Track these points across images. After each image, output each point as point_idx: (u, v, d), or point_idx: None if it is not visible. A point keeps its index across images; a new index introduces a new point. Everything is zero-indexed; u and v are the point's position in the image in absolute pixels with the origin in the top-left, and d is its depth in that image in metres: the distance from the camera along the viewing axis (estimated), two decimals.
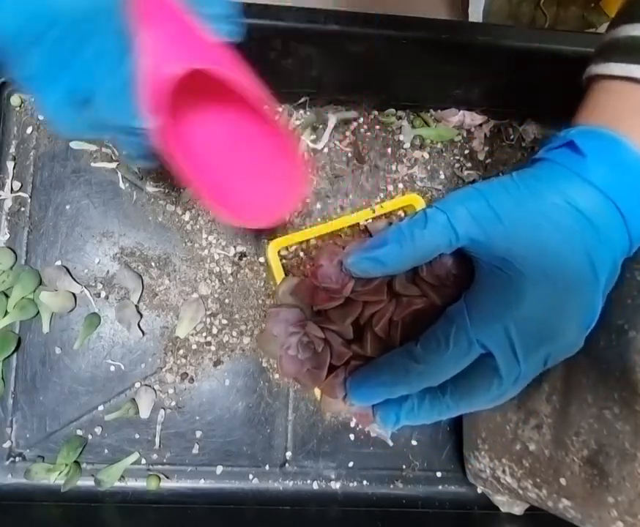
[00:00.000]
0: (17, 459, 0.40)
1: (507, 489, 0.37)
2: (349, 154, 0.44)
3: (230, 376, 0.42)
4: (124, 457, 0.40)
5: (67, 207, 0.42)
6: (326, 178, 0.44)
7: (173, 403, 0.42)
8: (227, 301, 0.42)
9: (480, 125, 0.45)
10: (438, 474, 0.43)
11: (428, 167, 0.45)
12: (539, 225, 0.23)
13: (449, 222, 0.25)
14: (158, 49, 0.21)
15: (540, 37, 0.37)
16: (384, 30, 0.36)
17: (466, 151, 0.45)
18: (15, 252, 0.41)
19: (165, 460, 0.41)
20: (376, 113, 0.45)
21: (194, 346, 0.42)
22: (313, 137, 0.44)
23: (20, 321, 0.41)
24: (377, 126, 0.45)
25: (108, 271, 0.42)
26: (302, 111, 0.44)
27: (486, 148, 0.45)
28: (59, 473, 0.39)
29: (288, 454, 0.42)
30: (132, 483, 0.41)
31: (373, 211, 0.39)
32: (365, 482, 0.42)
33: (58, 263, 0.42)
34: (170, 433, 0.41)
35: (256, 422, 0.42)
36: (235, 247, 0.43)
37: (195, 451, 0.41)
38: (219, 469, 0.41)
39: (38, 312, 0.41)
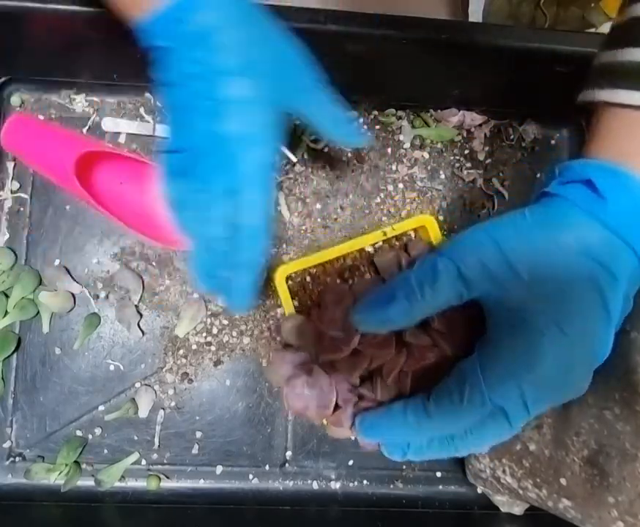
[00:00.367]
0: (17, 459, 0.40)
1: (507, 489, 0.37)
2: (349, 154, 0.44)
3: (230, 376, 0.42)
4: (124, 457, 0.40)
5: (67, 207, 0.42)
6: (326, 178, 0.44)
7: (173, 403, 0.42)
8: None
9: (480, 125, 0.45)
10: (438, 474, 0.43)
11: (428, 168, 0.45)
12: (556, 276, 0.22)
13: (460, 275, 0.23)
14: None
15: (540, 37, 0.37)
16: (384, 30, 0.36)
17: (466, 151, 0.45)
18: (15, 252, 0.41)
19: (165, 460, 0.41)
20: (376, 113, 0.45)
21: (194, 346, 0.42)
22: (313, 137, 0.44)
23: (20, 321, 0.41)
24: (377, 126, 0.45)
25: (108, 271, 0.42)
26: None
27: (486, 148, 0.45)
28: (59, 473, 0.39)
29: (288, 454, 0.42)
30: (132, 483, 0.41)
31: (384, 234, 0.34)
32: (365, 482, 0.42)
33: (58, 263, 0.42)
34: (170, 433, 0.41)
35: (256, 422, 0.42)
36: None
37: (195, 451, 0.41)
38: (219, 469, 0.41)
39: (38, 312, 0.41)
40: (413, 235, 0.37)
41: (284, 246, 0.43)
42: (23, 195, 0.42)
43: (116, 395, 0.41)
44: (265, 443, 0.42)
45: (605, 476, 0.29)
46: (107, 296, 0.42)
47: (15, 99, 0.43)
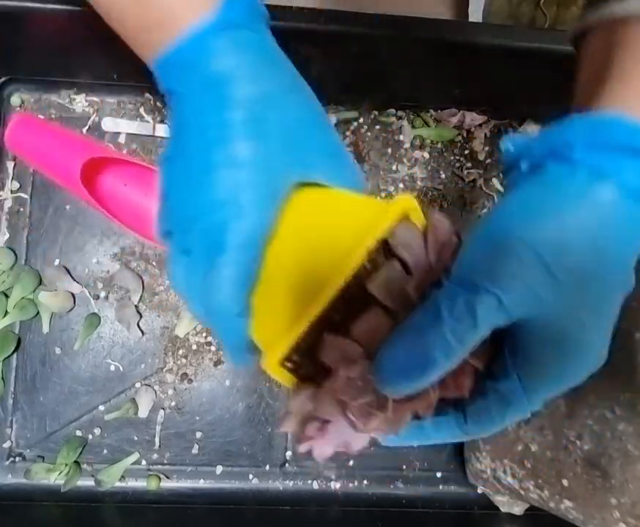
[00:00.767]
0: (17, 459, 0.40)
1: (508, 489, 0.37)
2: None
3: (230, 376, 0.42)
4: (124, 457, 0.40)
5: (67, 207, 0.42)
6: None
7: (173, 403, 0.42)
8: None
9: (480, 125, 0.45)
10: (439, 474, 0.43)
11: (428, 168, 0.45)
12: (594, 273, 0.19)
13: (502, 306, 0.19)
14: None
15: (540, 37, 0.37)
16: (384, 30, 0.36)
17: (466, 151, 0.45)
18: (15, 252, 0.41)
19: (165, 460, 0.41)
20: (376, 113, 0.45)
21: (194, 346, 0.42)
22: None
23: (20, 321, 0.41)
24: (377, 127, 0.45)
25: (108, 271, 0.42)
26: None
27: (486, 148, 0.45)
28: (59, 473, 0.39)
29: (288, 454, 0.42)
30: (132, 483, 0.41)
31: (367, 250, 0.21)
32: (365, 482, 0.42)
33: (58, 263, 0.42)
34: (170, 433, 0.41)
35: (256, 422, 0.42)
36: None
37: (195, 451, 0.41)
38: (219, 469, 0.41)
39: (38, 312, 0.41)
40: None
41: None
42: (23, 195, 0.42)
43: (116, 395, 0.41)
44: (265, 443, 0.42)
45: (607, 477, 0.29)
46: (107, 296, 0.42)
47: (15, 99, 0.43)
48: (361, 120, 0.45)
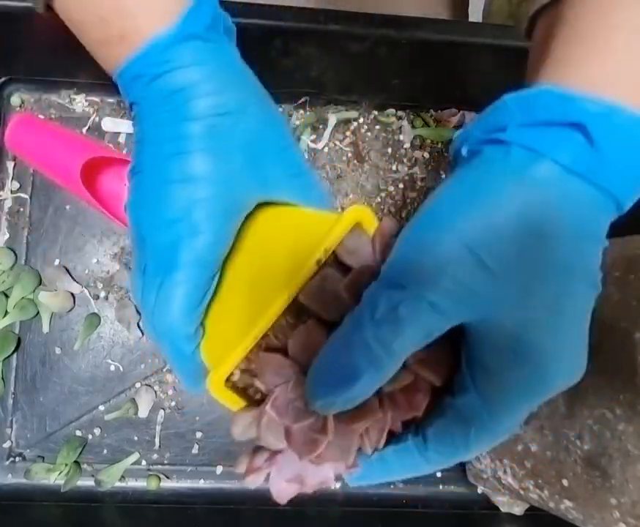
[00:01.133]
0: (17, 459, 0.40)
1: (508, 489, 0.37)
2: (349, 154, 0.44)
3: None
4: (124, 457, 0.40)
5: (67, 207, 0.42)
6: (327, 178, 0.44)
7: (173, 403, 0.42)
8: None
9: None
10: (438, 474, 0.43)
11: (428, 168, 0.45)
12: (541, 268, 0.17)
13: (433, 307, 0.17)
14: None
15: None
16: (384, 30, 0.36)
17: None
18: (15, 252, 0.41)
19: (165, 460, 0.41)
20: (376, 113, 0.45)
21: None
22: (313, 137, 0.44)
23: (20, 321, 0.41)
24: (377, 127, 0.45)
25: (107, 271, 0.42)
26: (302, 111, 0.44)
27: None
28: (59, 473, 0.39)
29: None
30: (132, 483, 0.41)
31: (319, 263, 0.20)
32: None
33: (58, 263, 0.42)
34: (170, 433, 0.41)
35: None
36: None
37: (195, 451, 0.41)
38: (219, 469, 0.41)
39: (38, 312, 0.41)
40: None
41: None
42: (23, 195, 0.42)
43: (116, 395, 0.41)
44: None
45: (607, 477, 0.29)
46: (107, 296, 0.42)
47: (14, 99, 0.43)
48: (361, 120, 0.45)
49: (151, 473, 0.41)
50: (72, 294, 0.41)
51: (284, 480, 0.22)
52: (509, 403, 0.18)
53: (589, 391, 0.30)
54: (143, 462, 0.41)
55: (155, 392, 0.41)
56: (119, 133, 0.43)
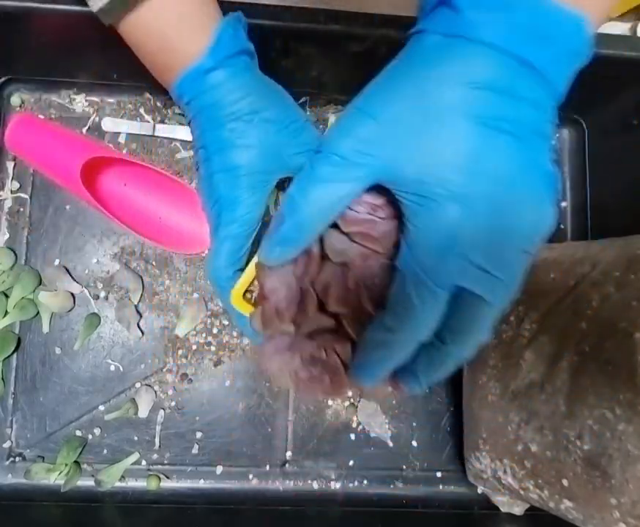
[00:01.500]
0: (17, 459, 0.40)
1: (508, 489, 0.37)
2: None
3: (230, 376, 0.42)
4: (124, 457, 0.40)
5: (67, 207, 0.42)
6: None
7: (173, 403, 0.42)
8: None
9: None
10: (439, 474, 0.43)
11: None
12: (445, 128, 0.19)
13: (344, 162, 0.21)
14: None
15: None
16: (384, 30, 0.36)
17: None
18: (15, 252, 0.41)
19: (165, 460, 0.41)
20: None
21: (194, 346, 0.42)
22: None
23: (20, 321, 0.41)
24: None
25: (108, 271, 0.42)
26: None
27: None
28: (59, 473, 0.39)
29: (288, 454, 0.42)
30: (132, 483, 0.41)
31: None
32: (365, 482, 0.42)
33: (58, 263, 0.42)
34: (170, 433, 0.41)
35: (256, 422, 0.42)
36: None
37: (195, 451, 0.41)
38: (219, 469, 0.41)
39: (38, 312, 0.41)
40: None
41: None
42: (23, 195, 0.42)
43: (116, 395, 0.41)
44: (265, 443, 0.42)
45: (607, 477, 0.29)
46: (107, 296, 0.42)
47: (14, 99, 0.43)
48: None
49: (151, 473, 0.41)
50: (72, 294, 0.41)
51: (327, 378, 0.26)
52: (429, 253, 0.21)
53: (589, 391, 0.30)
54: (143, 462, 0.41)
55: (155, 392, 0.41)
56: (119, 133, 0.43)
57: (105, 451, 0.41)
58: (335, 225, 0.25)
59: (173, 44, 0.26)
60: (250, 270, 0.28)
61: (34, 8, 0.33)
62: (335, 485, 0.42)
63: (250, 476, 0.42)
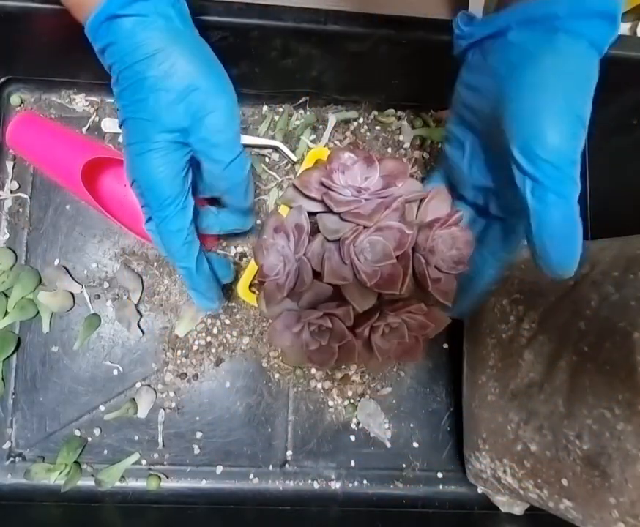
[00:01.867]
0: (17, 459, 0.40)
1: (507, 489, 0.37)
2: None
3: (230, 376, 0.42)
4: (124, 457, 0.40)
5: (67, 207, 0.42)
6: None
7: (174, 404, 0.42)
8: (228, 301, 0.42)
9: None
10: (439, 474, 0.43)
11: (428, 168, 0.45)
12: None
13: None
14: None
15: None
16: (384, 30, 0.36)
17: None
18: (15, 252, 0.41)
19: (165, 460, 0.41)
20: (375, 113, 0.45)
21: (194, 346, 0.42)
22: (313, 137, 0.44)
23: (20, 321, 0.41)
24: (377, 127, 0.45)
25: (107, 271, 0.42)
26: (302, 111, 0.44)
27: None
28: (59, 473, 0.39)
29: (289, 453, 0.42)
30: (132, 483, 0.41)
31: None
32: (365, 482, 0.42)
33: (58, 263, 0.42)
34: (171, 433, 0.41)
35: (256, 422, 0.42)
36: (235, 247, 0.43)
37: (195, 451, 0.41)
38: (219, 469, 0.41)
39: (38, 312, 0.41)
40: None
41: None
42: (23, 195, 0.42)
43: (116, 395, 0.41)
44: (265, 443, 0.42)
45: (606, 477, 0.29)
46: (107, 296, 0.42)
47: (14, 99, 0.43)
48: (361, 120, 0.45)
49: (152, 473, 0.41)
50: (72, 294, 0.41)
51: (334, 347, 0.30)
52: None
53: (588, 391, 0.30)
54: (144, 462, 0.41)
55: (155, 392, 0.41)
56: (119, 133, 0.43)
57: (105, 451, 0.41)
58: (327, 210, 0.29)
59: None
60: (253, 265, 0.31)
61: (34, 8, 0.33)
62: (335, 485, 0.42)
63: (251, 476, 0.42)
